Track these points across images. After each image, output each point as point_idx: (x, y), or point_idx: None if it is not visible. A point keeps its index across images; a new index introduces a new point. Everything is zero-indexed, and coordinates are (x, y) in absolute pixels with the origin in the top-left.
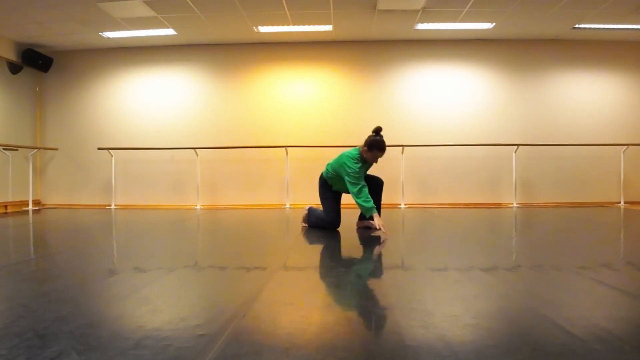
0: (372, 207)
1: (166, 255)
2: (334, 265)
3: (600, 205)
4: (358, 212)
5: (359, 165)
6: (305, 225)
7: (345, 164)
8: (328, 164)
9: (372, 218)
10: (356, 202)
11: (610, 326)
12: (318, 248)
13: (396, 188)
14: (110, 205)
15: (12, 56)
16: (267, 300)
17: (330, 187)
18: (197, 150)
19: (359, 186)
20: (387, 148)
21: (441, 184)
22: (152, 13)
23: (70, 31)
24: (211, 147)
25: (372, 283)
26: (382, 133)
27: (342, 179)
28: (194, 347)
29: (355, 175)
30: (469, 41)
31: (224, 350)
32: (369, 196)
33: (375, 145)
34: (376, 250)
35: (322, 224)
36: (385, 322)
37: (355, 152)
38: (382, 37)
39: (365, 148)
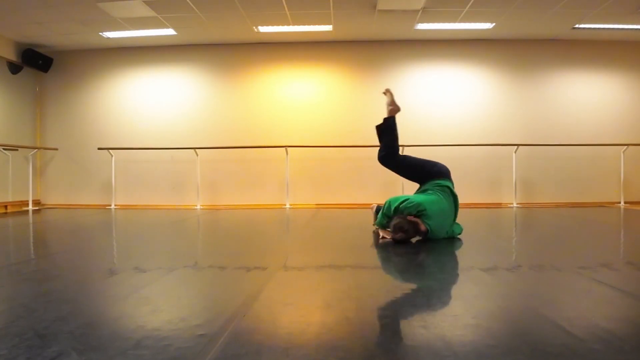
0: (378, 223)
1: (166, 255)
2: (334, 265)
3: (600, 205)
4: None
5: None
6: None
7: (416, 201)
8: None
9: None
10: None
11: (610, 326)
12: (318, 248)
13: (396, 188)
14: (110, 205)
15: (12, 56)
16: (267, 300)
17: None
18: (197, 150)
19: (386, 213)
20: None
21: None
22: (152, 13)
23: (70, 31)
24: (211, 147)
25: (372, 283)
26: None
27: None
28: (194, 347)
29: (392, 205)
30: (469, 41)
31: (224, 350)
32: (384, 219)
33: (394, 225)
34: (376, 250)
35: (393, 138)
36: (385, 322)
37: (416, 205)
38: (382, 37)
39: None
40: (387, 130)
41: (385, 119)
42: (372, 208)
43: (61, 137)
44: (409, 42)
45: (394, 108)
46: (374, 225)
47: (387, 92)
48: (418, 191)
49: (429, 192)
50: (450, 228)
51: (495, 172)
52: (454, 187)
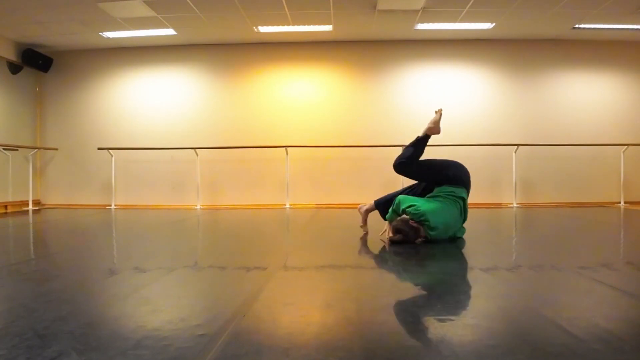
0: (389, 218)
1: (166, 255)
2: (334, 265)
3: (600, 205)
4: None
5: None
6: (364, 225)
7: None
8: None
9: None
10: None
11: (610, 326)
12: (318, 248)
13: (396, 188)
14: (110, 205)
15: (12, 56)
16: (267, 300)
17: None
18: (197, 150)
19: (396, 210)
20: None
21: None
22: (152, 13)
23: (70, 31)
24: (211, 147)
25: (372, 283)
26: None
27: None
28: (194, 347)
29: (401, 204)
30: (469, 41)
31: (224, 350)
32: (394, 215)
33: (393, 226)
34: (376, 250)
35: (418, 154)
36: (385, 322)
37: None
38: (382, 37)
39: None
40: (417, 145)
41: (419, 137)
42: (359, 209)
43: (61, 137)
44: (409, 42)
45: (433, 127)
46: (361, 227)
47: (439, 112)
48: (430, 195)
49: (439, 199)
50: (453, 233)
51: (495, 172)
52: (468, 194)
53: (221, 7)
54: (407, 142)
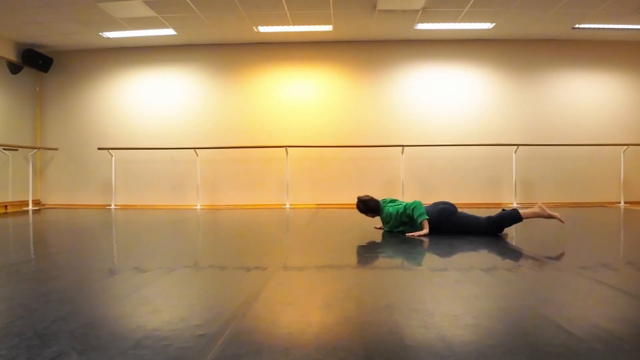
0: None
1: (166, 255)
2: (334, 265)
3: (600, 205)
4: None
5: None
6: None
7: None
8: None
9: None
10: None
11: (610, 326)
12: (318, 248)
13: (396, 188)
14: (110, 205)
15: (12, 56)
16: (267, 300)
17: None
18: (197, 150)
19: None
20: (366, 205)
21: (441, 184)
22: (152, 13)
23: (70, 31)
24: (211, 147)
25: (373, 283)
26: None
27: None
28: (194, 347)
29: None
30: (469, 41)
31: (224, 350)
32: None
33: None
34: (376, 250)
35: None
36: (385, 322)
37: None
38: (382, 37)
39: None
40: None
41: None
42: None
43: (61, 137)
44: (409, 42)
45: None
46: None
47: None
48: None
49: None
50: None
51: (495, 172)
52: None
53: (221, 7)
54: (407, 142)
